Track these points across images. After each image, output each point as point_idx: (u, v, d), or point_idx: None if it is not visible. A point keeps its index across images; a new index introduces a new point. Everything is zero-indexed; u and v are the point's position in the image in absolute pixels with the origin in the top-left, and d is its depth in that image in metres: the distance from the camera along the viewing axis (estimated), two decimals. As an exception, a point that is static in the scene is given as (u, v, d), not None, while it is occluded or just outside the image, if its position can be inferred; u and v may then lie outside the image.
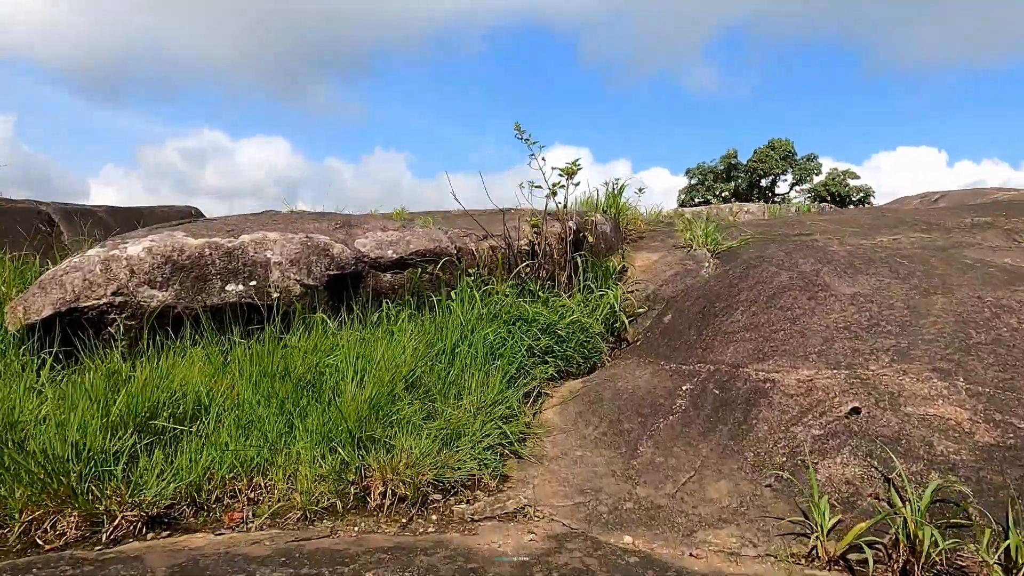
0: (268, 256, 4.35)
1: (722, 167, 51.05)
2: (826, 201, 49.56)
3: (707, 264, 5.76)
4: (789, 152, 49.45)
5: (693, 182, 52.35)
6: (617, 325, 5.40)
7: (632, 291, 5.75)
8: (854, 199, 48.46)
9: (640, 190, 7.38)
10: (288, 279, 4.36)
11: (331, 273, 4.53)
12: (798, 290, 4.05)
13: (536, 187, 5.64)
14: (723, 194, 50.40)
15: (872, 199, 48.44)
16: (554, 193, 5.64)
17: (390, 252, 4.84)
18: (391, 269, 4.85)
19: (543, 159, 5.53)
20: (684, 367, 4.08)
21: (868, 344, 3.37)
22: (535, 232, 5.44)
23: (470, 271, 5.06)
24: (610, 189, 7.26)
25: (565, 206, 5.59)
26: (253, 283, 4.25)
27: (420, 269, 4.92)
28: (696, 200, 51.43)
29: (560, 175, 5.59)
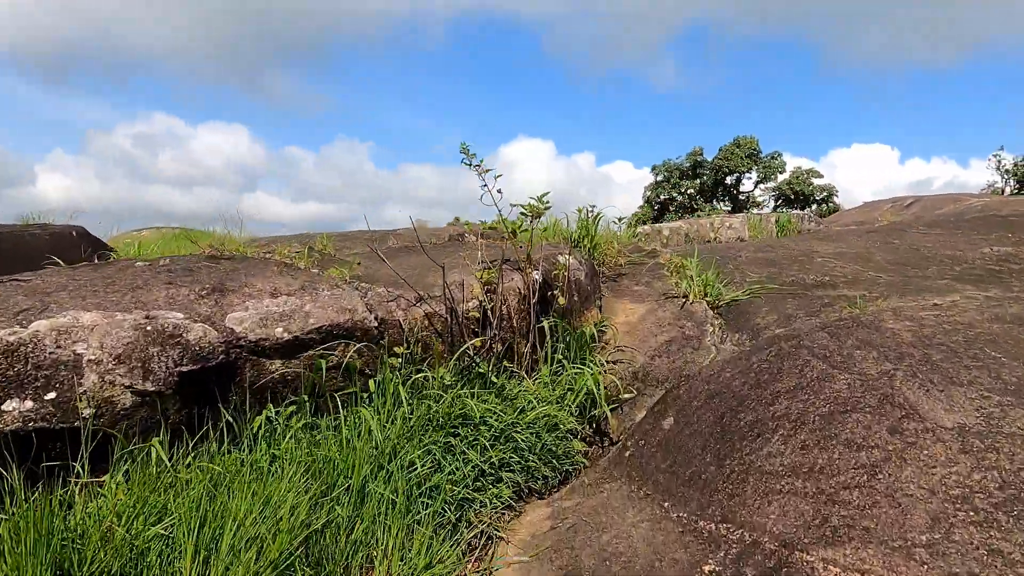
0: (79, 352, 2.87)
1: (688, 164, 50.36)
2: (792, 202, 49.40)
3: (710, 328, 4.47)
4: (754, 150, 49.02)
5: (659, 179, 51.57)
6: (596, 413, 4.08)
7: (615, 362, 4.42)
8: (817, 198, 48.32)
9: (620, 219, 6.08)
10: (112, 385, 2.89)
11: (185, 370, 3.07)
12: (869, 412, 2.76)
13: (490, 228, 4.26)
14: (688, 191, 49.78)
15: (835, 198, 48.40)
16: (514, 234, 4.27)
17: (279, 330, 3.40)
18: (282, 354, 3.41)
19: (499, 191, 4.14)
20: (701, 524, 2.76)
21: (1016, 542, 2.10)
22: (488, 291, 4.06)
23: (397, 350, 3.65)
24: (584, 217, 5.91)
25: (529, 257, 4.21)
26: (51, 396, 2.78)
27: (325, 353, 3.49)
28: (662, 196, 50.72)
29: (524, 213, 4.23)
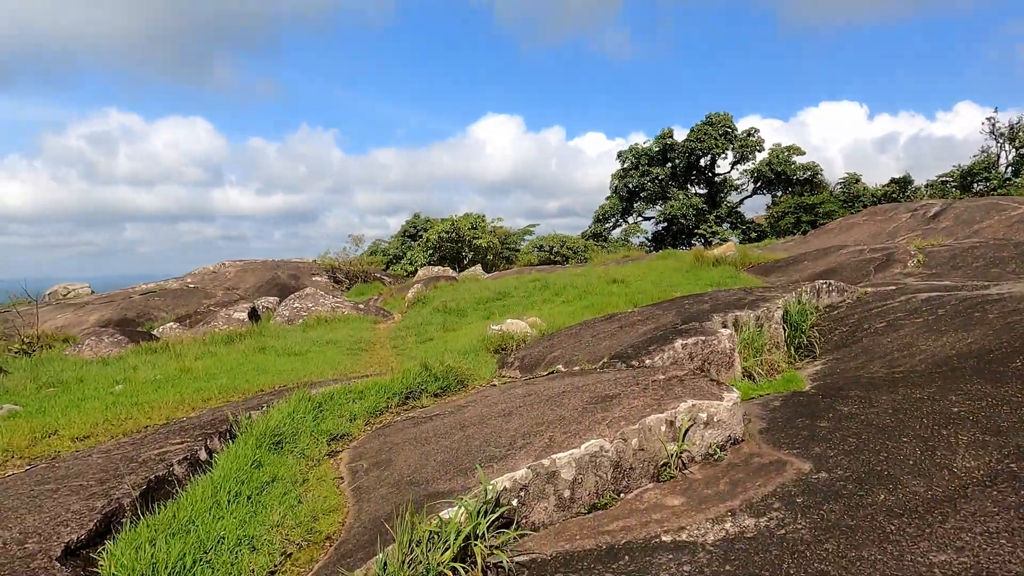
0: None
1: (657, 148, 45.67)
2: (773, 184, 44.95)
3: None
4: (728, 128, 44.45)
5: (626, 166, 46.89)
6: None
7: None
8: (800, 178, 43.99)
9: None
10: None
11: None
12: None
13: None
14: (659, 178, 45.16)
15: (820, 175, 44.11)
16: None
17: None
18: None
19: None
20: None
21: None
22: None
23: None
24: None
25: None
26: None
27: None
28: (631, 185, 46.06)
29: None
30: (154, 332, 14.44)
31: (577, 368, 6.42)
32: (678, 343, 5.88)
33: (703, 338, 5.93)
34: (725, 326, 6.59)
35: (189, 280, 30.21)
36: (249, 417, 5.21)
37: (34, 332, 14.05)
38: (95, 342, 12.03)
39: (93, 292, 30.84)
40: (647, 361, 5.75)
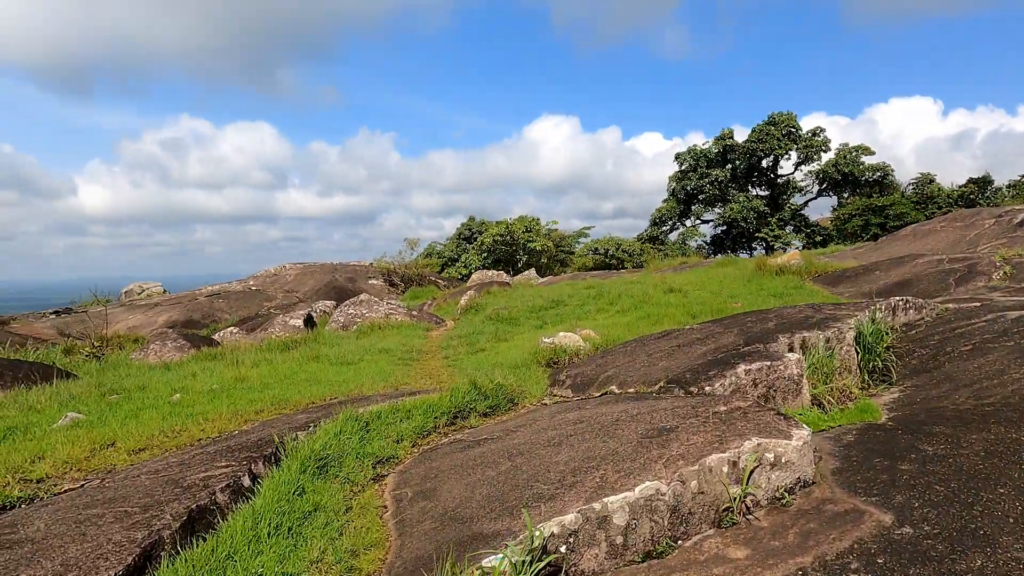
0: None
1: (716, 149, 44.44)
2: (840, 185, 43.10)
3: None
4: (792, 128, 42.82)
5: (684, 167, 45.80)
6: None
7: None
8: (869, 179, 42.03)
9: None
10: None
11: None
12: None
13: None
14: (719, 180, 43.92)
15: (891, 176, 42.03)
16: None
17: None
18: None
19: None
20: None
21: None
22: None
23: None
24: None
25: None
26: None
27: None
28: (689, 187, 44.98)
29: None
30: (214, 337, 14.83)
31: (631, 391, 6.13)
32: (740, 368, 5.52)
33: (768, 363, 5.54)
34: (792, 349, 6.17)
35: (251, 283, 31.13)
36: (295, 438, 5.15)
37: (104, 334, 14.64)
38: (159, 347, 12.40)
39: (165, 291, 32.18)
40: (707, 388, 5.41)
